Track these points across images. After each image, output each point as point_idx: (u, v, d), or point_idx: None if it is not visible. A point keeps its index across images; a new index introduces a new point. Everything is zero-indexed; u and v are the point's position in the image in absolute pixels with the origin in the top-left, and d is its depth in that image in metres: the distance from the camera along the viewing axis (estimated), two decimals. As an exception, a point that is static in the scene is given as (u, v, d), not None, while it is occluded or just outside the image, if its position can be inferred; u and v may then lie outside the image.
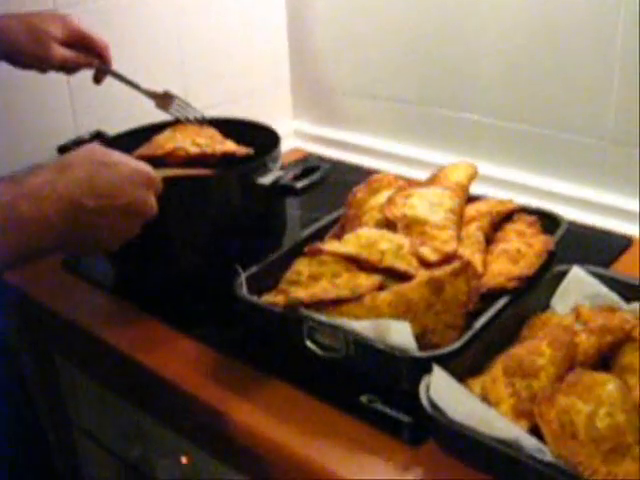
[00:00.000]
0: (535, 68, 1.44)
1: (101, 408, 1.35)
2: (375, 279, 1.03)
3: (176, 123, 1.35)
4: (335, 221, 1.24)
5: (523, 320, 1.05)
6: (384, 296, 0.99)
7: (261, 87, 1.80)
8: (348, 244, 1.08)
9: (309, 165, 1.21)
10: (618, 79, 1.34)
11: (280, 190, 1.16)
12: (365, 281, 1.02)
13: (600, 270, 1.10)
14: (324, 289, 1.02)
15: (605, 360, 0.94)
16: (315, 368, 1.03)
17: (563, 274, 1.10)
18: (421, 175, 1.52)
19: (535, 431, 0.84)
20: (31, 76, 1.26)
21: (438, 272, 0.98)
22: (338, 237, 1.18)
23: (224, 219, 1.20)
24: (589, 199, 1.43)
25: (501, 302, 1.02)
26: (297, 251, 1.13)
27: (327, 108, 1.82)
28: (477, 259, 1.09)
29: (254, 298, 1.06)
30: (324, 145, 1.81)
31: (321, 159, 1.75)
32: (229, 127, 1.35)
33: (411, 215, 1.13)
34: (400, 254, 1.05)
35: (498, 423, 0.81)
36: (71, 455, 1.52)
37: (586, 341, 0.94)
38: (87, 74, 1.31)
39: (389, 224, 1.15)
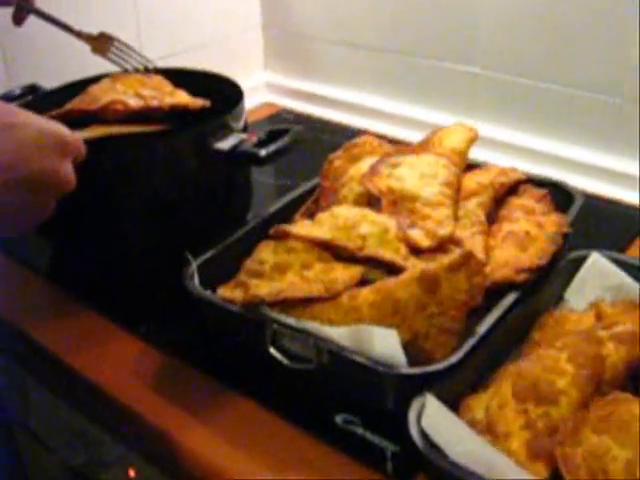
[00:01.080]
0: (545, 16, 1.23)
1: (48, 408, 1.16)
2: (355, 271, 0.84)
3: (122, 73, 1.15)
4: (308, 193, 1.05)
5: (533, 317, 0.87)
6: (365, 294, 0.80)
7: (227, 33, 1.58)
8: (322, 226, 0.89)
9: (276, 128, 1.00)
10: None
11: (240, 157, 0.97)
12: (342, 274, 0.83)
13: (623, 257, 0.92)
14: (291, 284, 0.83)
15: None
16: (281, 380, 0.85)
17: (579, 261, 0.92)
18: (412, 137, 1.34)
19: (556, 475, 0.65)
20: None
21: (432, 265, 0.79)
22: (311, 215, 0.98)
23: (172, 190, 1.00)
24: (605, 167, 1.24)
25: (508, 299, 0.83)
26: (261, 231, 0.94)
27: (303, 57, 1.61)
28: (478, 244, 0.90)
29: (207, 293, 0.87)
30: (299, 100, 1.61)
31: (295, 117, 1.55)
32: (182, 79, 1.14)
33: (398, 189, 0.94)
34: (385, 239, 0.86)
35: (510, 472, 0.63)
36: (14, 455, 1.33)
37: (615, 353, 0.76)
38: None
39: (372, 199, 0.95)
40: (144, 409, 0.86)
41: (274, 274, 0.86)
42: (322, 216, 0.91)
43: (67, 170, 0.76)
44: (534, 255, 0.87)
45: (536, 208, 0.97)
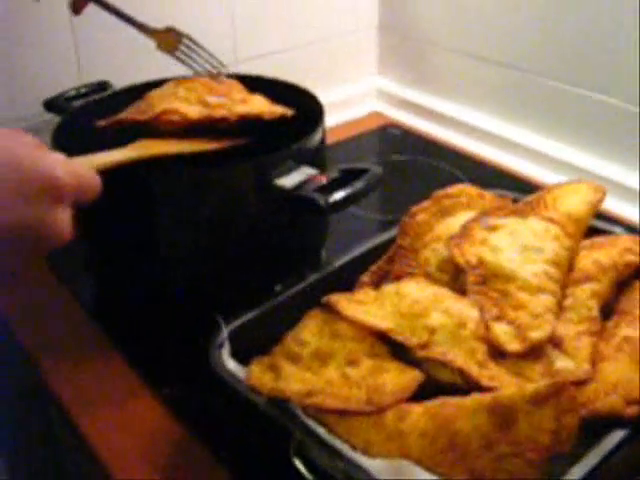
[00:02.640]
0: None
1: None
2: (411, 378, 0.65)
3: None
4: (386, 245, 0.85)
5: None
6: (416, 417, 0.61)
7: (339, 31, 1.39)
8: (381, 308, 0.70)
9: (353, 167, 0.82)
10: None
11: (298, 202, 0.78)
12: (394, 380, 0.65)
13: None
14: (328, 383, 0.65)
15: None
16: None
17: None
18: (539, 175, 1.13)
19: None
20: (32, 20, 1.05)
21: (507, 394, 0.58)
22: (383, 277, 0.80)
23: (220, 230, 0.84)
24: None
25: (611, 440, 0.62)
26: (317, 291, 0.76)
27: (422, 66, 1.40)
28: (584, 350, 0.70)
29: (232, 372, 0.70)
30: (412, 112, 1.40)
31: (403, 133, 1.35)
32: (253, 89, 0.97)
33: (492, 262, 0.74)
34: (459, 336, 0.67)
35: None
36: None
37: None
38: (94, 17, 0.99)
39: (458, 271, 0.75)
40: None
41: (313, 363, 0.68)
42: (386, 290, 0.72)
43: (58, 220, 0.61)
44: (656, 378, 0.65)
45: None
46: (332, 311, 0.70)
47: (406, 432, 0.60)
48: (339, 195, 0.77)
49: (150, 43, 0.97)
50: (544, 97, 1.21)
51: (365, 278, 0.81)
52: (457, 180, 1.14)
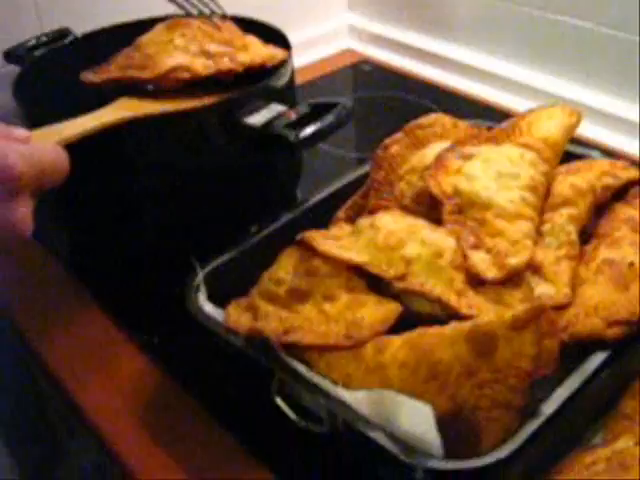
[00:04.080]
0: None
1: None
2: (389, 310, 0.65)
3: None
4: (360, 181, 0.84)
5: (625, 381, 0.65)
6: (395, 349, 0.60)
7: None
8: (357, 242, 0.68)
9: (323, 101, 0.80)
10: None
11: (268, 140, 0.76)
12: (372, 313, 0.64)
13: None
14: (306, 320, 0.64)
15: None
16: (290, 435, 0.66)
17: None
18: (527, 106, 1.11)
19: None
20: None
21: (486, 321, 0.58)
22: (359, 212, 0.78)
23: (194, 172, 0.82)
24: None
25: (592, 363, 0.62)
26: (294, 229, 0.74)
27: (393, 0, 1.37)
28: (563, 274, 0.69)
29: (209, 314, 0.69)
30: (387, 48, 1.37)
31: (375, 69, 1.32)
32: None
33: (467, 191, 0.72)
34: (436, 265, 0.66)
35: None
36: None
37: None
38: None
39: (434, 202, 0.74)
40: (126, 449, 0.70)
41: (290, 301, 0.67)
42: (362, 224, 0.71)
43: (18, 214, 0.54)
44: (636, 299, 0.65)
45: (646, 229, 0.74)
46: (307, 248, 0.69)
47: (386, 364, 0.60)
48: (309, 130, 0.76)
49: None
50: (518, 25, 1.19)
51: (340, 214, 0.80)
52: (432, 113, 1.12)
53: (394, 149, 0.80)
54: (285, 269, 0.69)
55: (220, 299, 0.71)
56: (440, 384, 0.58)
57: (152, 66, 0.83)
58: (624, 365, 0.65)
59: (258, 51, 0.88)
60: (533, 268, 0.69)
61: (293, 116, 0.78)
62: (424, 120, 0.82)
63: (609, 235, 0.74)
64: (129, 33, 0.93)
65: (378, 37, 1.37)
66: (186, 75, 0.82)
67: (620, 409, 0.64)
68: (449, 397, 0.58)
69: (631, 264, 0.68)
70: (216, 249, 0.75)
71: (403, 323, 0.64)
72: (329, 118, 0.77)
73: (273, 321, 0.65)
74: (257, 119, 0.79)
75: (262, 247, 0.77)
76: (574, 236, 0.72)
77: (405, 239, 0.67)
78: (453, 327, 0.59)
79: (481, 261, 0.66)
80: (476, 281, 0.66)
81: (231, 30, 0.90)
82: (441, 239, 0.67)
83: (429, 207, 0.75)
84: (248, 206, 0.86)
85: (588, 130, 1.05)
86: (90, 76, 0.85)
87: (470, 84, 1.23)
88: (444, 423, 0.57)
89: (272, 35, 0.92)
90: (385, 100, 1.23)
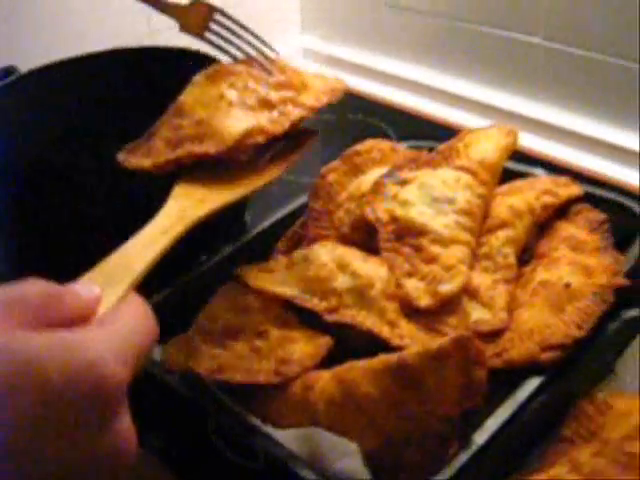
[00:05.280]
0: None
1: None
2: (319, 345, 0.64)
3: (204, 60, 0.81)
4: (303, 209, 0.83)
5: (566, 402, 0.65)
6: (323, 385, 0.60)
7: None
8: (291, 275, 0.68)
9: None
10: None
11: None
12: (301, 349, 0.63)
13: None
14: (238, 359, 0.63)
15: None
16: (228, 473, 0.65)
17: (638, 322, 0.68)
18: (461, 119, 1.11)
19: None
20: None
21: (411, 353, 0.57)
22: (294, 246, 0.78)
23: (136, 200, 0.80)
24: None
25: (525, 389, 0.61)
26: (231, 265, 0.74)
27: (347, 20, 1.37)
28: (500, 298, 0.69)
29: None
30: (342, 69, 1.36)
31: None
32: (147, 62, 0.93)
33: (402, 217, 0.72)
34: (367, 296, 0.66)
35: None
36: None
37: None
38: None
39: (371, 230, 0.74)
40: None
41: (224, 338, 0.67)
42: (296, 256, 0.71)
43: (116, 440, 0.39)
44: (571, 321, 0.65)
45: (588, 242, 0.74)
46: (241, 283, 0.69)
47: (313, 401, 0.59)
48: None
49: (57, 25, 0.92)
50: (471, 43, 1.19)
51: (280, 245, 0.79)
52: (385, 135, 1.12)
53: (331, 177, 0.80)
54: (220, 305, 0.69)
55: (163, 335, 0.71)
56: (367, 419, 0.57)
57: (214, 135, 0.65)
58: (562, 389, 0.64)
59: (318, 86, 0.73)
60: (470, 293, 0.68)
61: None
62: (361, 146, 0.82)
63: (547, 255, 0.73)
64: (77, 68, 0.92)
65: (332, 58, 1.37)
66: (260, 139, 0.65)
67: (560, 433, 0.64)
68: (378, 431, 0.57)
69: (567, 285, 0.68)
70: (160, 282, 0.74)
71: (341, 357, 0.64)
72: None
73: (206, 359, 0.64)
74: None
75: (203, 282, 0.76)
76: (511, 259, 0.72)
77: (337, 271, 0.67)
78: (380, 360, 0.58)
79: (414, 289, 0.66)
80: (410, 310, 0.66)
81: (283, 67, 0.74)
82: (373, 269, 0.67)
83: (367, 235, 0.75)
84: (194, 236, 0.85)
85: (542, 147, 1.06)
86: (133, 159, 0.67)
87: (425, 103, 1.23)
88: (376, 457, 0.57)
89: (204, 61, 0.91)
90: (340, 121, 1.22)
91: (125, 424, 0.40)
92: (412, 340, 0.63)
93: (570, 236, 0.75)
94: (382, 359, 0.58)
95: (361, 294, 0.65)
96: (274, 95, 0.68)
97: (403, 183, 0.76)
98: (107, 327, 0.41)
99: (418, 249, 0.70)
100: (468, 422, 0.59)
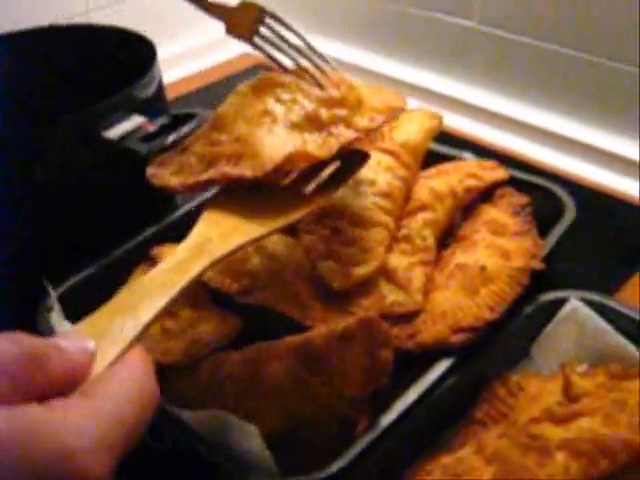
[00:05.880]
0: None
1: None
2: (232, 325, 0.63)
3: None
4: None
5: (480, 384, 0.65)
6: (230, 366, 0.59)
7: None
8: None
9: (183, 112, 0.79)
10: None
11: (122, 154, 0.75)
12: (214, 329, 0.62)
13: (617, 304, 0.68)
14: (148, 339, 0.62)
15: None
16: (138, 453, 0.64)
17: (555, 305, 0.69)
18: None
19: None
20: None
21: (316, 334, 0.57)
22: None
23: (57, 190, 0.79)
24: (624, 154, 0.98)
25: (434, 373, 0.61)
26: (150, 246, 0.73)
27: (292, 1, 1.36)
28: (416, 280, 0.68)
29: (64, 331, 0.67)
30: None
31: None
32: (80, 41, 0.92)
33: (322, 199, 0.71)
34: (281, 278, 0.65)
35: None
36: None
37: (561, 472, 0.53)
38: None
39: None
40: None
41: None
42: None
43: None
44: (484, 304, 0.65)
45: (509, 225, 0.74)
46: (154, 264, 0.68)
47: (221, 382, 0.59)
48: (156, 144, 0.74)
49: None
50: (393, 22, 1.19)
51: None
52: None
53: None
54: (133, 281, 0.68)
55: (80, 318, 0.70)
56: (274, 400, 0.57)
57: (253, 156, 0.58)
58: (473, 371, 0.64)
59: (375, 104, 0.66)
60: (386, 275, 0.68)
61: (151, 128, 0.77)
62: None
63: (468, 238, 0.74)
64: (13, 44, 0.92)
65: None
66: (303, 165, 0.59)
67: (473, 415, 0.64)
68: (284, 412, 0.57)
69: (482, 268, 0.68)
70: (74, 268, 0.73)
71: (255, 336, 0.63)
72: (185, 130, 0.75)
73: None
74: (114, 132, 0.77)
75: (124, 262, 0.76)
76: (430, 241, 0.72)
77: (251, 253, 0.66)
78: (286, 341, 0.58)
79: (329, 271, 0.66)
80: (324, 291, 0.65)
81: (338, 81, 0.66)
82: (288, 251, 0.67)
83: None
84: (126, 221, 0.83)
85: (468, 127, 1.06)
86: (165, 176, 0.62)
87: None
88: (283, 437, 0.56)
89: (136, 41, 0.90)
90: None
91: None
92: (324, 322, 0.62)
93: (492, 219, 0.75)
94: (289, 340, 0.58)
95: (275, 276, 0.65)
96: (324, 113, 0.61)
97: (325, 165, 0.75)
98: (93, 400, 0.35)
99: (337, 231, 0.70)
100: (377, 404, 0.59)
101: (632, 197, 0.94)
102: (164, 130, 0.77)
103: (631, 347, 0.66)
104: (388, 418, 0.57)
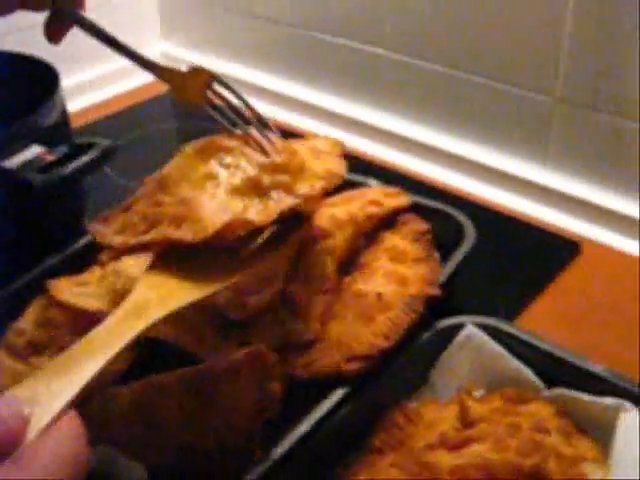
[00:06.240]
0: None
1: None
2: (124, 358, 0.62)
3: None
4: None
5: (378, 412, 0.65)
6: (121, 401, 0.58)
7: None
8: (100, 288, 0.66)
9: (84, 141, 0.78)
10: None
11: (17, 185, 0.74)
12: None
13: (510, 328, 0.69)
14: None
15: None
16: None
17: (453, 331, 0.69)
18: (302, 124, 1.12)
19: None
20: None
21: (205, 366, 0.57)
22: (119, 256, 0.76)
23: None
24: (532, 179, 1.00)
25: (327, 403, 0.61)
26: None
27: (208, 27, 1.36)
28: (313, 311, 0.69)
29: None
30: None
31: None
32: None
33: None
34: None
35: None
36: None
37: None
38: None
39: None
40: None
41: (28, 354, 0.64)
42: (109, 269, 0.69)
43: None
44: (379, 331, 0.65)
45: (409, 252, 0.75)
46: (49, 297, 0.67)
47: (111, 418, 0.58)
48: (60, 172, 0.73)
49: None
50: (329, 55, 1.19)
51: (104, 256, 0.78)
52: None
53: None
54: (28, 319, 0.67)
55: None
56: (164, 434, 0.56)
57: (194, 221, 0.58)
58: (369, 399, 0.64)
59: (316, 170, 0.67)
60: (285, 303, 0.68)
61: (50, 157, 0.76)
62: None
63: (368, 265, 0.74)
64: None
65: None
66: (241, 232, 0.59)
67: (371, 443, 0.64)
68: (175, 446, 0.56)
69: (379, 295, 0.68)
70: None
71: (152, 369, 0.63)
72: (83, 159, 0.75)
73: (8, 374, 0.62)
74: (13, 162, 0.76)
75: (23, 294, 0.74)
76: (329, 269, 0.72)
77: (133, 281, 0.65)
78: (175, 373, 0.58)
79: (225, 300, 0.65)
80: (221, 322, 0.65)
81: (282, 147, 0.67)
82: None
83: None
84: (30, 247, 0.82)
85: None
86: (108, 234, 0.62)
87: (274, 110, 1.23)
88: (177, 472, 0.56)
89: (39, 68, 0.89)
90: (195, 129, 1.21)
91: None
92: (218, 353, 0.62)
93: (392, 246, 0.76)
94: (178, 372, 0.58)
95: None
96: (267, 178, 0.62)
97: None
98: (26, 470, 0.35)
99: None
100: (272, 435, 0.59)
101: (537, 220, 0.96)
102: (64, 160, 0.76)
103: (527, 371, 0.66)
104: (280, 450, 0.57)
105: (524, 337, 0.68)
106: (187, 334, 0.63)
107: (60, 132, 0.86)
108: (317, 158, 0.69)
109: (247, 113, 0.69)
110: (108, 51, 0.94)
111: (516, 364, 0.67)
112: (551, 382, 0.65)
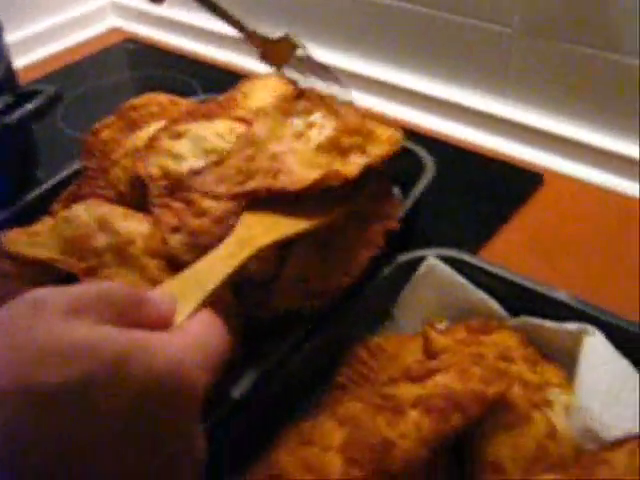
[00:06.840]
0: None
1: None
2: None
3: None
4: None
5: (342, 347, 0.64)
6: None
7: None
8: (52, 237, 0.65)
9: (27, 89, 0.76)
10: None
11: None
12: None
13: (472, 259, 0.68)
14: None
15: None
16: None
17: (414, 265, 0.68)
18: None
19: None
20: None
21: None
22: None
23: None
24: (493, 112, 0.98)
25: (288, 341, 0.60)
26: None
27: None
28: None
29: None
30: (153, 26, 1.32)
31: (141, 48, 1.28)
32: None
33: (174, 172, 0.70)
34: (127, 254, 0.63)
35: None
36: None
37: (414, 431, 0.53)
38: None
39: (145, 186, 0.71)
40: None
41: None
42: (59, 218, 0.67)
43: (191, 447, 0.39)
44: (340, 268, 0.64)
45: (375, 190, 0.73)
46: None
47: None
48: (3, 121, 0.71)
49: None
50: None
51: (56, 206, 0.76)
52: (191, 90, 1.10)
53: (105, 134, 0.76)
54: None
55: None
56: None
57: (288, 173, 0.63)
58: (331, 336, 0.63)
59: (381, 134, 0.71)
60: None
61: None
62: (137, 101, 0.79)
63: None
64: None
65: (142, 14, 1.32)
66: (335, 182, 0.63)
67: (335, 379, 0.63)
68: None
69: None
70: None
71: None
72: (28, 107, 0.72)
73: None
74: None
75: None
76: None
77: (97, 230, 0.64)
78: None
79: (179, 244, 0.64)
80: (175, 265, 0.64)
81: (353, 112, 0.73)
82: (134, 226, 0.65)
83: (143, 192, 0.72)
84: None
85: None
86: (212, 184, 0.66)
87: (233, 57, 1.20)
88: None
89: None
90: (149, 79, 1.18)
91: (199, 430, 0.39)
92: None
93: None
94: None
95: (121, 252, 0.63)
96: (345, 139, 0.67)
97: (177, 137, 0.73)
98: (184, 335, 0.40)
99: (189, 203, 0.68)
100: (231, 375, 0.58)
101: (499, 153, 0.95)
102: (10, 109, 0.74)
103: (491, 301, 0.66)
104: (238, 390, 0.56)
105: (486, 267, 0.67)
106: (140, 279, 0.61)
107: (7, 85, 0.83)
108: (379, 127, 0.72)
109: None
110: (57, 3, 0.91)
111: (480, 294, 0.66)
112: (515, 312, 0.65)
